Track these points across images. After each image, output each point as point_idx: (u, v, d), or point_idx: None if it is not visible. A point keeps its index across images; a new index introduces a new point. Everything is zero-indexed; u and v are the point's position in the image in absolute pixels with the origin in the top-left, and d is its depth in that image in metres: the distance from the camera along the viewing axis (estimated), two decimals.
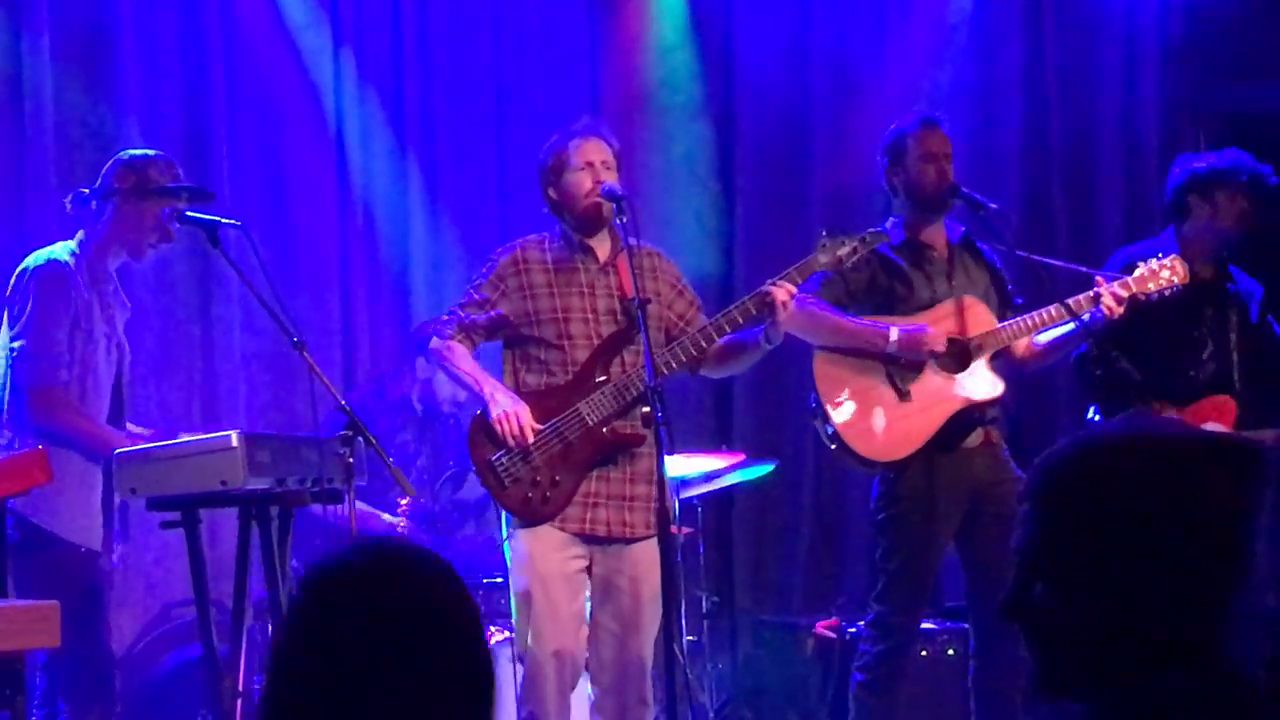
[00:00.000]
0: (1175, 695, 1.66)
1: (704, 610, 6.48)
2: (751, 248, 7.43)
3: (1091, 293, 4.99)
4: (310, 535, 5.93)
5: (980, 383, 5.08)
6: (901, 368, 5.06)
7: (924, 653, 5.82)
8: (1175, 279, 5.08)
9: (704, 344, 4.70)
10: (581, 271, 4.80)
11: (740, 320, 4.67)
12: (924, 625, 5.83)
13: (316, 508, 4.52)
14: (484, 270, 4.87)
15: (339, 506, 4.47)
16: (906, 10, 7.66)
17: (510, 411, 4.63)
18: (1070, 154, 7.76)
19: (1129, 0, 7.74)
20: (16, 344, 4.64)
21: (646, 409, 4.54)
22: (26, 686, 3.91)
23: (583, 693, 4.86)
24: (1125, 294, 5.00)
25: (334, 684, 1.77)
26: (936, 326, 5.08)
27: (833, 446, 5.12)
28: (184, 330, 6.49)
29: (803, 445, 7.21)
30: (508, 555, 4.78)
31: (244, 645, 4.47)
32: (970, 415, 5.08)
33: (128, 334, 4.94)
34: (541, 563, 4.67)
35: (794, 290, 4.64)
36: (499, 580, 5.25)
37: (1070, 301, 5.01)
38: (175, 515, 4.39)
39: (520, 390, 4.75)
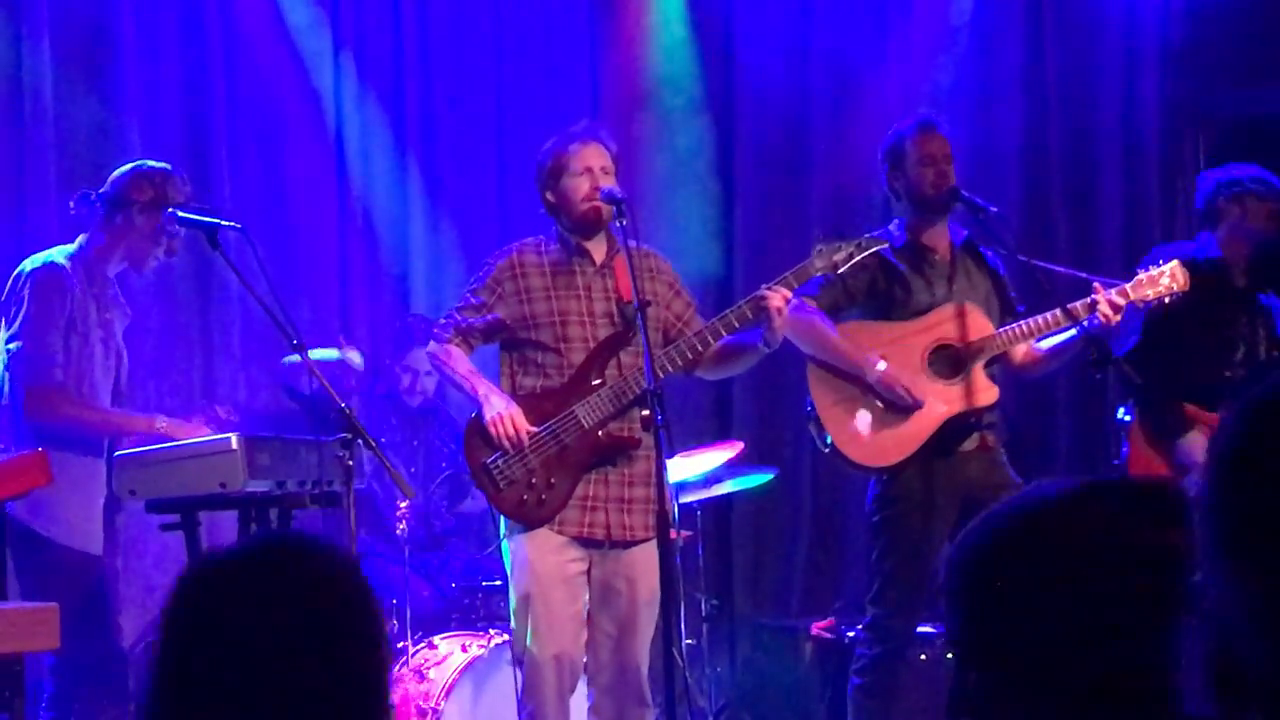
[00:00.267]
0: None
1: (703, 613, 6.48)
2: (751, 248, 7.43)
3: (1089, 299, 4.98)
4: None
5: (974, 389, 5.08)
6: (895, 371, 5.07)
7: (923, 656, 5.82)
8: (1175, 286, 5.08)
9: (700, 347, 4.70)
10: (578, 274, 4.80)
11: (736, 324, 4.67)
12: (922, 629, 5.82)
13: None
14: (480, 274, 4.87)
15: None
16: (907, 11, 7.66)
17: (505, 414, 4.64)
18: (1070, 157, 7.75)
19: (1129, 3, 7.73)
20: (13, 345, 4.64)
21: (646, 412, 4.54)
22: (26, 688, 3.91)
23: (581, 695, 4.86)
24: (1123, 301, 4.99)
25: (214, 681, 1.73)
26: (932, 331, 5.08)
27: (826, 450, 5.14)
28: (183, 332, 6.48)
29: (802, 448, 7.21)
30: (506, 558, 4.78)
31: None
32: (964, 421, 5.08)
33: (127, 335, 4.94)
34: (540, 566, 4.67)
35: (789, 296, 4.64)
36: (498, 584, 5.24)
37: (1070, 308, 5.00)
38: (174, 517, 4.40)
39: (517, 393, 4.75)
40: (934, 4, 7.65)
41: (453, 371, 4.80)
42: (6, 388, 4.69)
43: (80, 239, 4.78)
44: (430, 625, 5.90)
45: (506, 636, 5.12)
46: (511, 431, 4.63)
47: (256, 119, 6.76)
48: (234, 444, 4.23)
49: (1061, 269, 5.33)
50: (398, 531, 5.97)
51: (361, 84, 7.00)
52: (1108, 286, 5.06)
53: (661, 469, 4.43)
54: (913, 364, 5.09)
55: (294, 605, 1.76)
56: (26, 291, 4.65)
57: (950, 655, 1.79)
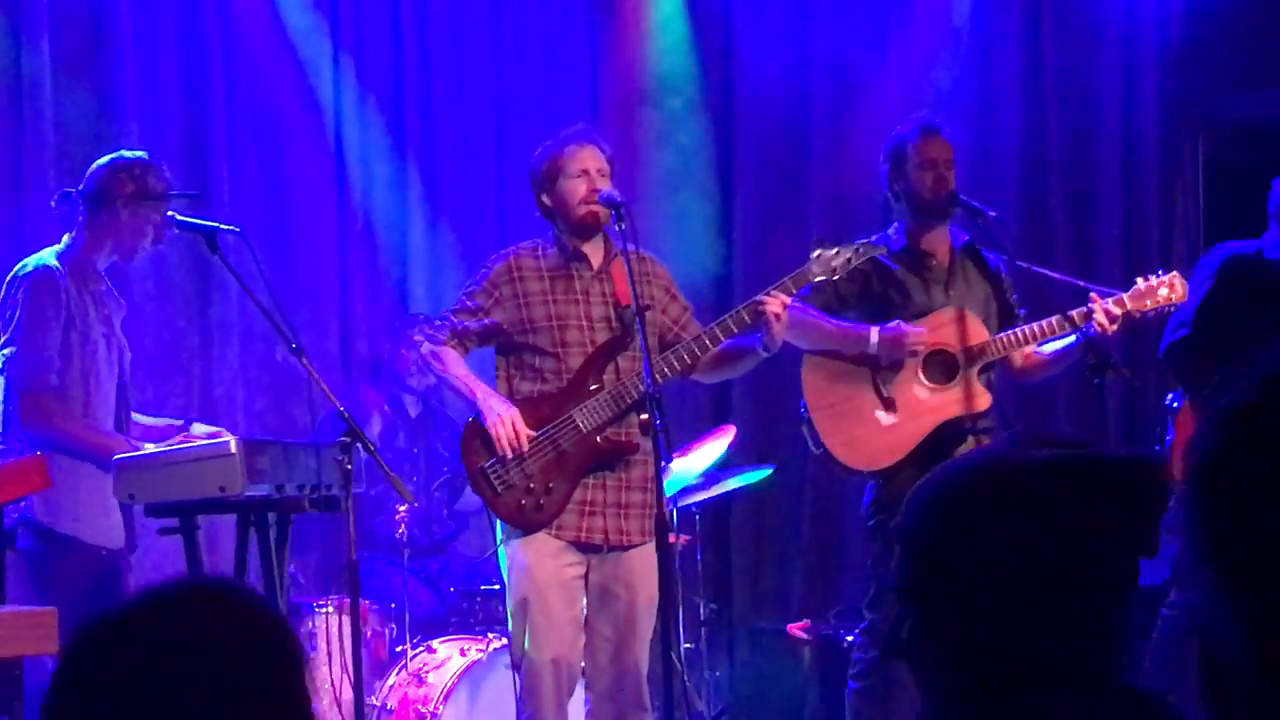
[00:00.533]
0: (1059, 712, 1.64)
1: (701, 618, 6.48)
2: (750, 249, 7.43)
3: (1086, 309, 4.97)
4: (308, 542, 5.94)
5: (968, 395, 5.08)
6: (888, 376, 5.07)
7: None
8: (1173, 296, 5.07)
9: (699, 352, 4.70)
10: (576, 279, 4.79)
11: (734, 329, 4.68)
12: None
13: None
14: (477, 277, 4.87)
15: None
16: (906, 13, 7.67)
17: (505, 417, 4.64)
18: (1069, 160, 7.76)
19: (1128, 7, 7.74)
20: (6, 350, 4.64)
21: (645, 416, 4.54)
22: (26, 691, 3.91)
23: (580, 700, 4.86)
24: (1119, 311, 4.98)
25: None
26: (929, 336, 5.08)
27: (818, 452, 5.15)
28: (182, 336, 6.48)
29: (801, 452, 7.19)
30: (503, 562, 4.78)
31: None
32: (957, 427, 5.08)
33: (125, 334, 4.94)
34: (538, 570, 4.67)
35: (788, 301, 4.64)
36: (496, 587, 5.25)
37: (1067, 315, 4.99)
38: (173, 522, 4.39)
39: (513, 397, 4.75)
40: (933, 6, 7.66)
41: (449, 374, 4.79)
42: (1, 393, 4.69)
43: (66, 237, 4.78)
44: (429, 629, 5.90)
45: (505, 641, 5.12)
46: (512, 435, 4.63)
47: (256, 122, 6.76)
48: (233, 448, 4.22)
49: (1059, 276, 5.32)
50: (397, 535, 5.98)
51: (361, 87, 7.01)
52: (1105, 296, 5.05)
53: (660, 473, 4.43)
54: (907, 368, 5.09)
55: (195, 661, 1.59)
56: (20, 296, 4.65)
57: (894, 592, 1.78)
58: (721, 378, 5.15)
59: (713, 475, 6.12)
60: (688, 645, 6.31)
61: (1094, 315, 4.93)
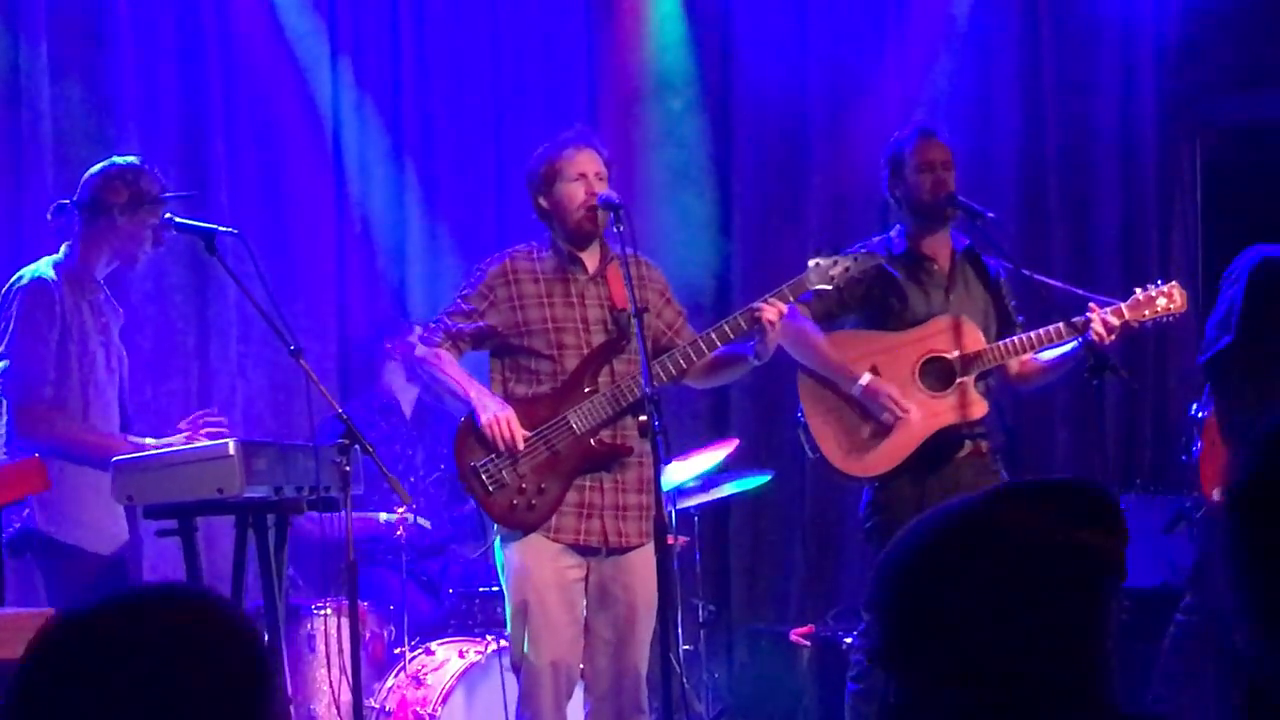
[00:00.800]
0: None
1: (700, 619, 6.47)
2: (749, 251, 7.43)
3: (1083, 318, 4.97)
4: (307, 543, 5.93)
5: (964, 403, 5.08)
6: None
7: None
8: (1172, 307, 5.07)
9: (694, 357, 4.70)
10: (572, 281, 4.79)
11: (730, 335, 4.68)
12: None
13: (313, 515, 4.52)
14: (473, 280, 4.87)
15: (335, 514, 4.48)
16: (904, 15, 7.67)
17: (501, 416, 4.64)
18: (1067, 162, 7.76)
19: (1125, 8, 7.74)
20: (1, 364, 4.63)
21: (642, 418, 4.54)
22: None
23: (578, 702, 4.86)
24: (1118, 321, 4.98)
25: None
26: (926, 343, 5.09)
27: (814, 457, 5.15)
28: (180, 338, 6.48)
29: (799, 454, 7.20)
30: (500, 564, 4.78)
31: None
32: (953, 435, 5.08)
33: (123, 340, 4.94)
34: (537, 573, 4.67)
35: (784, 309, 4.64)
36: (495, 589, 5.25)
37: (1072, 322, 4.97)
38: (172, 523, 4.39)
39: (508, 400, 4.75)
40: (932, 6, 7.66)
41: (443, 374, 4.79)
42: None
43: (64, 247, 4.77)
44: (427, 631, 5.90)
45: (504, 643, 5.12)
46: (508, 434, 4.63)
47: (254, 124, 6.76)
48: (231, 449, 4.22)
49: (1058, 284, 5.31)
50: (396, 536, 5.98)
51: (359, 89, 7.00)
52: (1104, 305, 5.05)
53: (658, 475, 4.43)
54: (903, 375, 5.09)
55: (158, 663, 1.59)
56: (14, 308, 4.64)
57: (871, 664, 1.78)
58: (713, 384, 5.16)
59: (711, 480, 6.13)
60: (687, 647, 6.30)
61: (1092, 325, 4.92)
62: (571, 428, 4.67)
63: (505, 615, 4.80)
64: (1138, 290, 5.10)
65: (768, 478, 6.30)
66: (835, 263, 4.73)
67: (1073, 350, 5.04)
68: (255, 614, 4.86)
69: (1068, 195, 7.75)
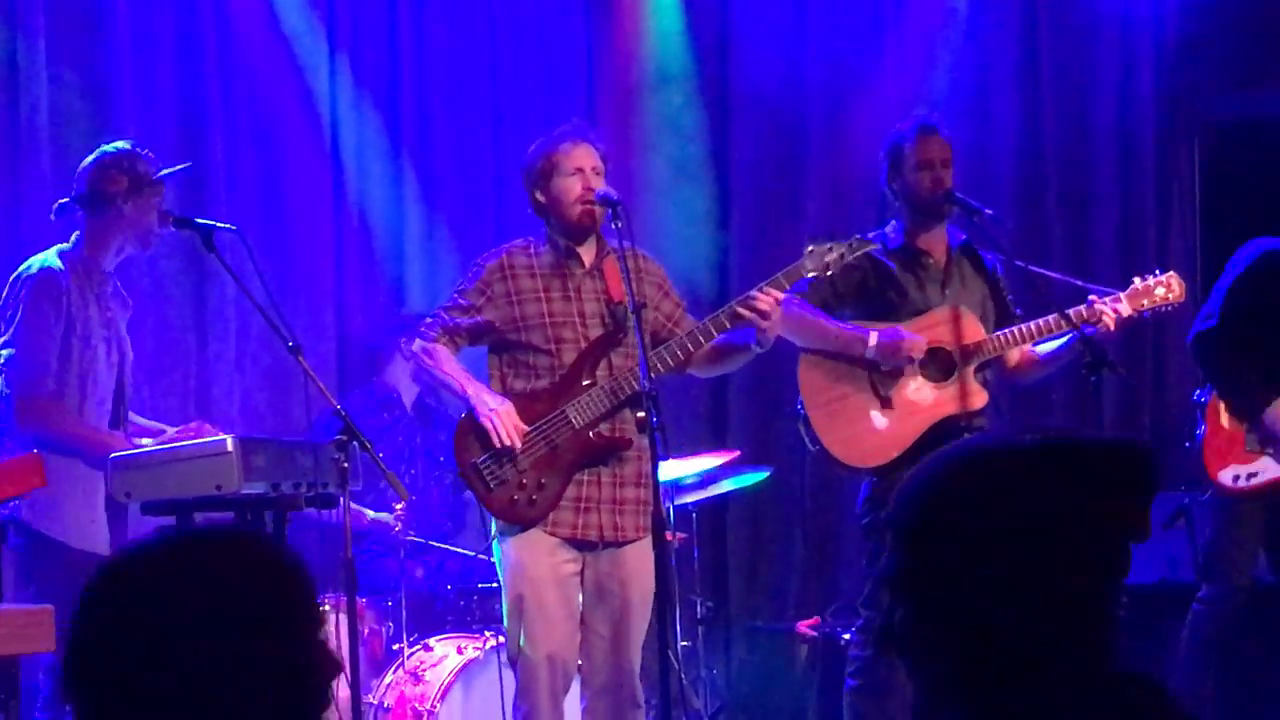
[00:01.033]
0: (1051, 697, 1.64)
1: (698, 615, 6.48)
2: (747, 245, 7.43)
3: (1083, 308, 4.97)
4: (305, 539, 5.93)
5: (964, 393, 5.08)
6: (884, 375, 5.08)
7: None
8: (1170, 296, 5.07)
9: (691, 348, 4.70)
10: (568, 276, 4.79)
11: (726, 325, 4.68)
12: None
13: (311, 512, 4.52)
14: (469, 276, 4.87)
15: (334, 510, 4.48)
16: (903, 9, 7.67)
17: (500, 412, 4.64)
18: (1065, 157, 7.76)
19: (1124, 5, 7.74)
20: (5, 352, 4.63)
21: (641, 413, 4.54)
22: (21, 690, 3.91)
23: (575, 697, 4.86)
24: (1117, 311, 4.98)
25: (129, 682, 1.67)
26: (925, 335, 5.09)
27: (814, 449, 5.15)
28: (179, 334, 6.48)
29: (798, 449, 7.19)
30: (498, 560, 4.78)
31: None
32: (953, 426, 5.08)
33: (127, 333, 4.93)
34: (533, 568, 4.67)
35: (780, 297, 4.64)
36: (494, 586, 5.25)
37: (1067, 313, 4.98)
38: (170, 520, 4.39)
39: (506, 395, 4.75)
40: (929, 5, 7.66)
41: (441, 371, 4.79)
42: (3, 391, 4.68)
43: (74, 237, 4.76)
44: (426, 627, 5.91)
45: (502, 639, 5.12)
46: (507, 428, 4.63)
47: (252, 121, 6.76)
48: (229, 446, 4.22)
49: (1057, 275, 5.32)
50: (395, 532, 5.98)
51: (357, 85, 7.00)
52: (1103, 295, 5.05)
53: (656, 471, 4.43)
54: (903, 368, 5.09)
55: (215, 596, 1.69)
56: (22, 297, 4.64)
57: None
58: (716, 372, 5.16)
59: (709, 476, 6.13)
60: (685, 643, 6.30)
61: (1100, 313, 4.93)
62: (570, 421, 4.67)
63: (503, 611, 4.80)
64: (1136, 280, 5.11)
65: (766, 474, 6.30)
66: (830, 249, 4.73)
67: (1069, 342, 5.04)
68: None
69: (1066, 192, 7.74)
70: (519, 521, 4.69)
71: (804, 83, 7.59)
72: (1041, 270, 5.31)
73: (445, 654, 5.66)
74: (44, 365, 4.58)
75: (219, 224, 4.72)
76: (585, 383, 4.71)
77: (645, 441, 4.48)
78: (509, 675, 4.81)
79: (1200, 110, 7.83)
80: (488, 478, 4.68)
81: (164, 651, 1.67)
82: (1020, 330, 5.08)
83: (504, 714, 4.93)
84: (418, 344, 4.86)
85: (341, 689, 5.39)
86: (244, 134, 6.73)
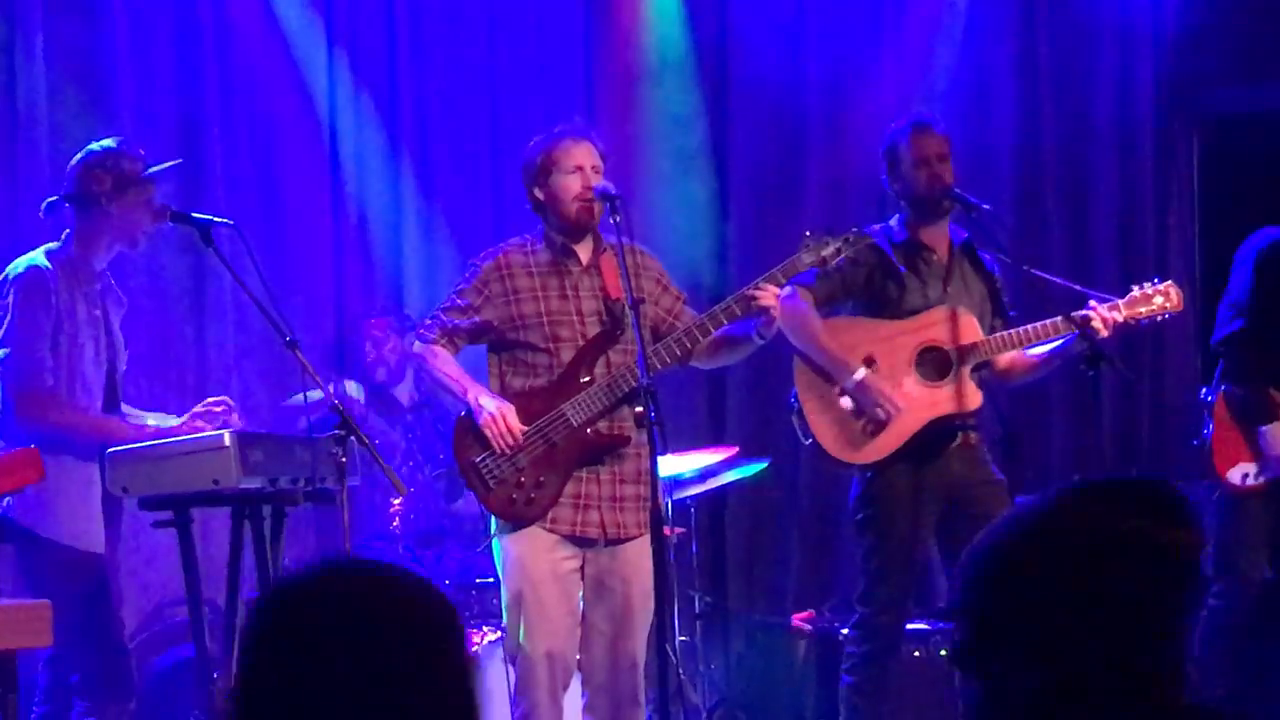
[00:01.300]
0: None
1: (697, 611, 6.48)
2: (746, 239, 7.42)
3: (1081, 313, 4.96)
4: (303, 534, 5.93)
5: (960, 393, 5.08)
6: (880, 371, 5.07)
7: (916, 653, 5.82)
8: (1168, 305, 5.07)
9: (688, 344, 4.70)
10: (566, 274, 4.79)
11: (724, 320, 4.67)
12: (916, 626, 5.83)
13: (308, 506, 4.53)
14: (467, 275, 4.86)
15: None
16: (902, 3, 7.67)
17: (498, 413, 4.63)
18: (1064, 151, 7.75)
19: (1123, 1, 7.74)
20: (0, 352, 4.62)
21: (639, 409, 4.53)
22: (19, 684, 3.91)
23: (575, 693, 4.86)
24: (1115, 317, 4.98)
25: (296, 705, 1.70)
26: (922, 333, 5.09)
27: (807, 442, 5.16)
28: (176, 329, 6.48)
29: (796, 445, 7.20)
30: (497, 556, 4.78)
31: (236, 645, 4.46)
32: (946, 425, 5.08)
33: (122, 329, 4.92)
34: (532, 565, 4.67)
35: (778, 291, 4.64)
36: (491, 580, 5.25)
37: (1071, 316, 4.96)
38: (168, 514, 4.39)
39: (505, 394, 4.74)
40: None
41: (440, 372, 4.79)
42: None
43: (64, 234, 4.75)
44: None
45: (500, 634, 5.12)
46: (505, 431, 4.62)
47: (250, 119, 6.76)
48: (227, 440, 4.22)
49: (1057, 280, 5.31)
50: (391, 528, 5.97)
51: (355, 81, 7.00)
52: (1102, 301, 5.04)
53: (654, 466, 4.43)
54: (901, 364, 5.10)
55: (378, 626, 1.74)
56: (11, 297, 4.63)
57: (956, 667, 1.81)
58: (719, 364, 5.16)
59: (708, 470, 6.13)
60: (683, 638, 6.31)
61: (1092, 321, 4.92)
62: (568, 420, 4.67)
63: (502, 607, 4.80)
64: (1135, 288, 5.09)
65: (764, 465, 6.31)
66: (827, 243, 4.72)
67: (1063, 345, 5.04)
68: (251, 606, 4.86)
69: (1065, 186, 7.74)
70: (518, 520, 4.68)
71: (804, 75, 7.58)
72: (1043, 274, 5.29)
73: None
74: (39, 362, 4.57)
75: (217, 219, 4.71)
76: (583, 380, 4.71)
77: (644, 438, 4.47)
78: (508, 671, 4.81)
79: (1199, 103, 7.83)
80: (486, 477, 4.68)
81: (329, 692, 1.71)
82: (1019, 333, 5.08)
83: (504, 710, 4.92)
84: (417, 345, 4.87)
85: None
86: (242, 128, 6.73)
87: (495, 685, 5.09)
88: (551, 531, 4.68)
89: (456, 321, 4.80)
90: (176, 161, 4.92)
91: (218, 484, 4.21)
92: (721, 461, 6.20)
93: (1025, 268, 5.21)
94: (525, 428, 4.66)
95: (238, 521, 4.48)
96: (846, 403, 5.07)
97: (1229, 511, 5.53)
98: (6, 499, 4.51)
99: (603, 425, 4.70)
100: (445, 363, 4.79)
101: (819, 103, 7.59)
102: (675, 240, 7.01)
